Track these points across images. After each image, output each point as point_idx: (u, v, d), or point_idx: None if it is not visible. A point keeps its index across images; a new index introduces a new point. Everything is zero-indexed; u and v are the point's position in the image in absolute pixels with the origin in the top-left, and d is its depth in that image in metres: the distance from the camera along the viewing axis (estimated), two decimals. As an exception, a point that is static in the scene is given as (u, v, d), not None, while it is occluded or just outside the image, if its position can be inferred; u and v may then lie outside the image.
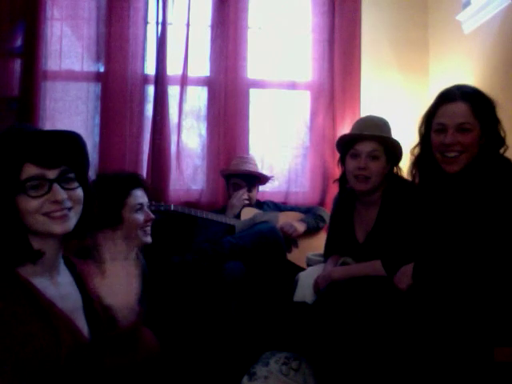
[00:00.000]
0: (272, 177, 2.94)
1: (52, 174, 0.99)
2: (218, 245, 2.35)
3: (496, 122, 1.59)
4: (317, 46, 3.14)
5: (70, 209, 1.01)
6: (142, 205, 1.73)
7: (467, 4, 2.71)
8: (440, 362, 1.40)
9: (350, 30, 3.09)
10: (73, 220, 1.02)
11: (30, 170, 0.97)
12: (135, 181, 1.75)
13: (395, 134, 1.99)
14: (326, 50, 3.12)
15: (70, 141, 1.05)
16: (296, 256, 2.68)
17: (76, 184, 1.04)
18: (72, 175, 1.03)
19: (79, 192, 1.04)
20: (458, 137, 1.56)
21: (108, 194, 1.67)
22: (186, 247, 2.46)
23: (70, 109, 2.96)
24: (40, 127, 2.85)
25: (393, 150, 1.91)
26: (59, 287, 1.05)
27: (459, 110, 1.56)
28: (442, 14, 3.06)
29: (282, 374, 1.68)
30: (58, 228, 1.00)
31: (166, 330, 1.69)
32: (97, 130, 2.98)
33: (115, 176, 1.76)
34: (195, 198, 3.02)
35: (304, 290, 2.00)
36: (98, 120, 2.99)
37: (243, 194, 2.73)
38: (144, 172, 2.97)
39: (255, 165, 2.87)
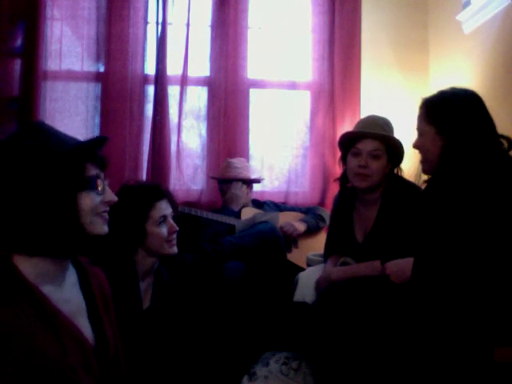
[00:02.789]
0: (259, 178, 2.93)
1: (103, 176, 1.06)
2: (217, 245, 2.35)
3: (461, 120, 1.59)
4: (317, 46, 3.14)
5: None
6: (165, 217, 1.70)
7: (467, 4, 2.71)
8: (440, 361, 1.40)
9: (350, 30, 3.09)
10: None
11: (91, 170, 1.03)
12: (158, 192, 1.73)
13: (395, 135, 1.99)
14: (325, 50, 3.13)
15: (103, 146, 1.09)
16: (296, 256, 2.68)
17: None
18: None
19: None
20: (417, 140, 1.69)
21: (131, 207, 1.66)
22: (188, 247, 2.45)
23: (70, 109, 2.96)
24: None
25: (394, 150, 1.91)
26: (64, 290, 1.03)
27: (417, 116, 1.69)
28: (442, 14, 3.06)
29: (282, 373, 1.68)
30: (104, 229, 1.05)
31: (166, 329, 1.69)
32: (97, 130, 2.98)
33: (138, 188, 1.74)
34: (195, 197, 3.02)
35: (304, 290, 2.00)
36: (98, 120, 2.99)
37: (242, 186, 2.75)
38: (144, 172, 2.98)
39: (241, 167, 2.84)
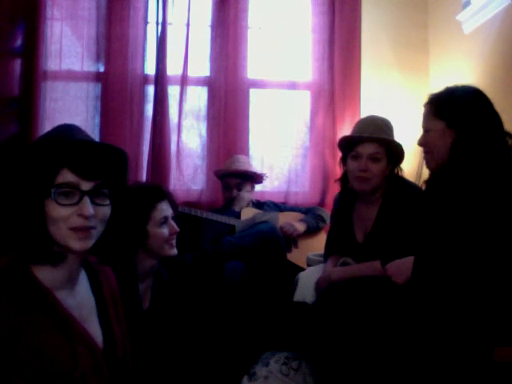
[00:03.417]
0: (264, 174, 2.93)
1: (86, 185, 0.96)
2: (217, 245, 2.35)
3: (473, 116, 1.60)
4: (317, 46, 3.14)
5: (93, 228, 0.97)
6: (166, 218, 1.70)
7: (467, 4, 2.71)
8: (440, 361, 1.40)
9: (350, 30, 3.09)
10: (93, 239, 0.98)
11: (66, 176, 0.94)
12: (159, 193, 1.72)
13: (395, 134, 1.99)
14: (325, 50, 3.12)
15: (115, 156, 1.01)
16: (296, 256, 2.68)
17: (107, 201, 1.00)
18: (106, 191, 1.00)
19: (107, 211, 1.00)
20: (424, 137, 1.69)
21: (132, 208, 1.63)
22: (188, 247, 2.45)
23: (70, 109, 2.96)
24: (40, 127, 2.86)
25: (394, 152, 1.91)
26: (77, 294, 1.03)
27: (423, 113, 1.69)
28: (442, 14, 3.06)
29: (282, 373, 1.68)
30: (77, 245, 0.95)
31: (166, 330, 1.69)
32: (97, 130, 2.98)
33: (139, 189, 1.73)
34: (195, 197, 3.02)
35: (304, 290, 2.00)
36: (98, 120, 2.99)
37: (250, 187, 2.79)
38: (144, 172, 2.97)
39: (247, 164, 2.88)
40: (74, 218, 0.94)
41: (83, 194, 0.95)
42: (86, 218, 0.94)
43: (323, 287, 1.84)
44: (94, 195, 0.97)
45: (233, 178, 2.78)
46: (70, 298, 1.00)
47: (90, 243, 0.97)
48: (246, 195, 2.81)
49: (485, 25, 2.59)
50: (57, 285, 0.98)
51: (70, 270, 1.01)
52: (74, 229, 0.94)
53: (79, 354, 0.95)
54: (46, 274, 0.97)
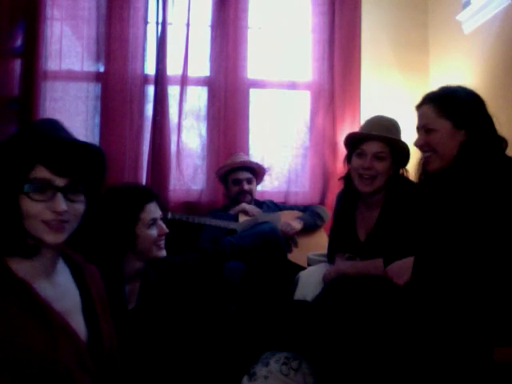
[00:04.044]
0: (268, 169, 2.95)
1: (60, 181, 0.97)
2: (218, 245, 2.35)
3: (479, 116, 1.60)
4: (317, 46, 3.14)
5: (66, 222, 0.99)
6: (155, 219, 1.69)
7: (467, 4, 2.72)
8: (440, 361, 1.40)
9: (350, 30, 3.09)
10: (66, 233, 1.00)
11: (40, 173, 0.96)
12: (148, 194, 1.71)
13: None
14: (325, 50, 3.12)
15: (90, 154, 1.02)
16: (296, 255, 2.68)
17: (81, 197, 1.02)
18: (81, 187, 1.01)
19: (80, 207, 1.02)
20: (426, 137, 1.64)
21: (121, 209, 1.63)
22: (189, 248, 2.45)
23: (70, 109, 2.96)
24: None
25: (400, 152, 1.90)
26: (56, 287, 1.03)
27: (422, 113, 1.66)
28: (442, 14, 3.06)
29: (282, 373, 1.68)
30: (51, 238, 0.97)
31: (166, 330, 1.69)
32: (97, 130, 2.98)
33: (127, 190, 1.71)
34: (195, 198, 3.02)
35: (304, 289, 1.99)
36: (98, 120, 2.99)
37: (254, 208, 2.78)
38: (144, 172, 2.97)
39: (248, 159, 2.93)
40: (47, 213, 0.96)
41: (56, 189, 0.97)
42: (58, 213, 0.96)
43: (332, 278, 1.82)
44: (68, 191, 0.99)
45: (242, 171, 2.78)
46: (49, 290, 1.00)
47: (62, 237, 0.99)
48: (253, 188, 2.82)
49: (485, 25, 2.59)
50: (33, 276, 0.99)
51: (45, 263, 1.02)
52: (47, 222, 0.96)
53: (60, 344, 0.95)
54: (20, 266, 0.98)
